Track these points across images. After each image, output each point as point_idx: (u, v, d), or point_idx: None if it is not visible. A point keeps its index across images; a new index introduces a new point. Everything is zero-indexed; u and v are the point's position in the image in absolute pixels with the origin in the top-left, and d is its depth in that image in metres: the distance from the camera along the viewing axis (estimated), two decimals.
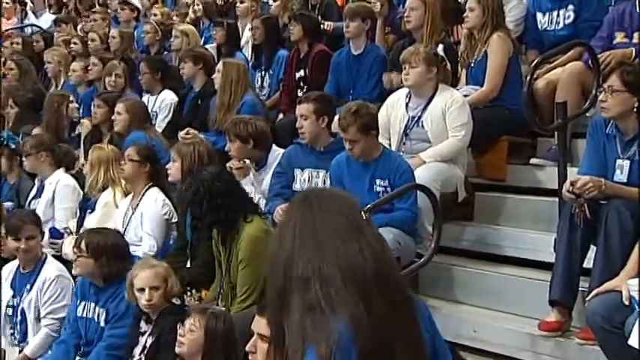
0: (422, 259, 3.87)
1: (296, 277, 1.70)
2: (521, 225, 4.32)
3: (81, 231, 4.56)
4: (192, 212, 3.78)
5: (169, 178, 4.36)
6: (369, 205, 3.75)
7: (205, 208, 3.67)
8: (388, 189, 3.96)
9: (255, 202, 4.43)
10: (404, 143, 4.36)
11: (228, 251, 3.71)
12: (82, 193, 5.04)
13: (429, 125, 4.35)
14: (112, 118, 5.36)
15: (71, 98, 6.04)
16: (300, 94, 5.55)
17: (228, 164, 4.55)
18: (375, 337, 1.65)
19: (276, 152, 4.62)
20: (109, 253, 3.73)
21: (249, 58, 6.13)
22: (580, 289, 3.44)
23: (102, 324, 3.75)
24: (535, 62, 4.39)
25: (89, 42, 6.99)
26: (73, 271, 3.94)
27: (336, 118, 4.26)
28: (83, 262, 3.76)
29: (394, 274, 1.76)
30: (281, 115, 5.59)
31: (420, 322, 1.77)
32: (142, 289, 3.48)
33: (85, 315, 3.81)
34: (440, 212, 3.87)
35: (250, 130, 4.51)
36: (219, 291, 3.80)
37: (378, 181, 3.99)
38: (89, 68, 6.50)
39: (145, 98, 6.00)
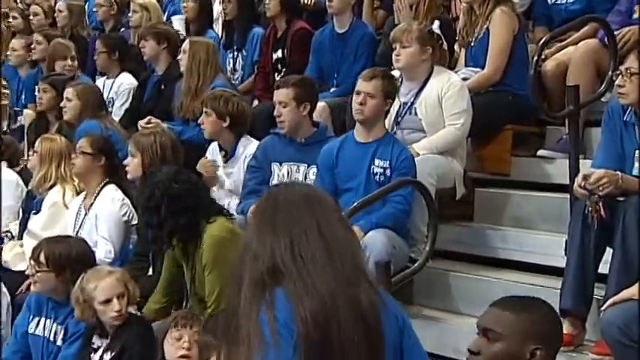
0: (415, 265, 3.87)
1: (249, 258, 1.97)
2: (528, 225, 4.33)
3: (24, 235, 4.51)
4: (147, 221, 3.68)
5: (128, 175, 4.31)
6: (355, 204, 3.73)
7: (164, 215, 3.59)
8: (387, 171, 3.98)
9: (226, 200, 4.43)
10: (395, 133, 4.35)
11: (192, 259, 3.66)
12: (25, 190, 4.99)
13: (423, 113, 4.34)
14: (61, 104, 5.29)
15: (3, 82, 5.96)
16: (277, 77, 5.52)
17: (200, 163, 4.51)
18: (317, 312, 1.88)
19: (249, 143, 4.62)
20: (74, 265, 3.66)
21: (219, 37, 6.10)
22: (595, 297, 3.44)
23: (59, 343, 3.69)
24: (543, 40, 4.40)
25: (31, 16, 6.90)
26: (32, 289, 3.82)
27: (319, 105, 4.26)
28: (43, 277, 3.68)
29: (355, 260, 1.96)
30: (256, 102, 5.57)
31: (380, 313, 1.96)
32: (107, 301, 3.44)
33: (39, 333, 3.75)
34: (435, 211, 3.87)
35: (230, 108, 4.55)
36: (185, 305, 3.76)
37: (377, 162, 4.02)
38: (32, 47, 6.39)
39: (99, 82, 5.95)
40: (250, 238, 2.01)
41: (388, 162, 4.00)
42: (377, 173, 4.00)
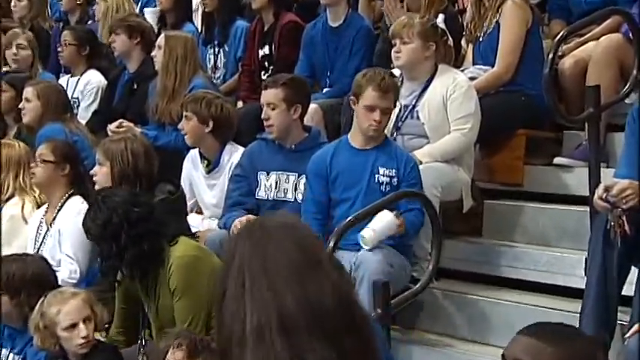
0: (417, 285, 3.87)
1: (248, 329, 1.73)
2: (543, 242, 4.34)
3: None
4: (105, 251, 3.60)
5: (96, 186, 4.29)
6: (351, 218, 3.73)
7: (124, 243, 3.55)
8: (394, 180, 4.00)
9: (201, 217, 4.42)
10: (395, 139, 4.36)
11: (155, 287, 3.62)
12: None
13: (426, 116, 4.35)
14: (20, 106, 5.26)
15: None
16: (264, 76, 5.51)
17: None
18: None
19: (236, 151, 4.61)
20: (30, 287, 3.64)
21: (199, 31, 6.10)
22: (618, 322, 3.44)
23: None
24: (560, 35, 4.41)
25: None
26: None
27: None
28: None
29: (359, 312, 1.83)
30: (240, 104, 5.57)
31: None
32: (72, 326, 3.42)
33: None
34: (440, 226, 3.87)
35: (213, 111, 4.56)
36: (141, 338, 3.73)
37: (381, 170, 4.03)
38: None
39: (62, 80, 5.92)
40: (237, 294, 1.77)
41: (395, 170, 4.02)
42: (382, 183, 4.02)
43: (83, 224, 3.67)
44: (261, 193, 4.35)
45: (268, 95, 4.30)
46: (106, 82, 5.87)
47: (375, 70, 4.15)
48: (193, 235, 3.80)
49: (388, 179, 4.02)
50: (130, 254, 3.55)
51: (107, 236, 3.57)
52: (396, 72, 4.48)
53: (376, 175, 4.03)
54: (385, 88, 4.02)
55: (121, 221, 3.54)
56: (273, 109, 4.27)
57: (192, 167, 4.75)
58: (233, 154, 4.60)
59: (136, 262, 3.58)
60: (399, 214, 3.88)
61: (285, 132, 4.29)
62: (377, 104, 4.01)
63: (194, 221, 4.58)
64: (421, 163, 4.20)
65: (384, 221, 3.84)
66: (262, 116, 4.33)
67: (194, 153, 4.74)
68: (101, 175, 4.20)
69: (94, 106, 5.83)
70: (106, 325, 3.81)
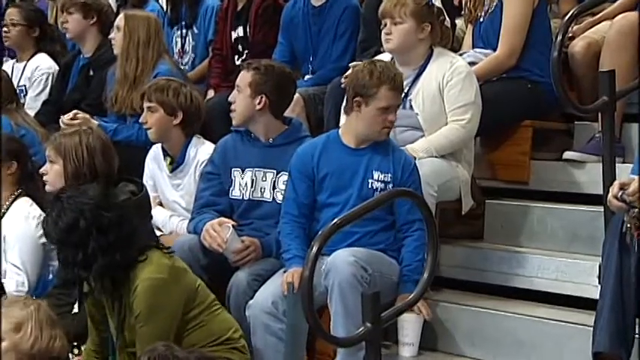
0: (411, 296, 3.85)
1: None
2: (552, 246, 4.35)
3: None
4: (69, 259, 3.52)
5: (47, 187, 4.26)
6: (336, 220, 3.71)
7: (92, 252, 3.48)
8: (390, 186, 4.00)
9: (163, 221, 4.39)
10: None
11: (120, 305, 3.59)
12: None
13: (420, 106, 4.34)
14: None
15: None
16: (238, 62, 5.51)
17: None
18: None
19: (202, 145, 4.61)
20: None
21: (164, 10, 6.09)
22: (636, 336, 3.44)
23: None
24: (571, 14, 4.39)
25: None
26: None
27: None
28: None
29: None
30: (211, 93, 5.57)
31: None
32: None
33: None
34: (436, 229, 3.85)
35: (182, 101, 4.56)
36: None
37: (376, 174, 4.02)
38: None
39: (6, 66, 5.89)
40: None
41: (390, 175, 4.02)
42: (376, 189, 4.01)
43: (43, 226, 3.63)
44: (235, 193, 4.34)
45: (239, 77, 4.35)
46: (57, 68, 5.84)
47: (377, 65, 4.08)
48: (168, 250, 3.72)
49: (383, 185, 4.01)
50: (99, 265, 3.51)
51: (71, 243, 3.52)
52: (386, 56, 4.46)
53: (369, 180, 4.02)
54: (399, 85, 4.04)
55: (89, 227, 3.49)
56: (239, 92, 4.31)
57: (154, 164, 4.74)
58: (199, 150, 4.60)
59: (105, 274, 3.54)
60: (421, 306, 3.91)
61: (246, 121, 4.31)
62: (392, 104, 4.02)
63: (160, 215, 4.57)
64: (415, 158, 4.19)
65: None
66: (229, 98, 4.36)
67: (156, 149, 4.73)
68: (52, 173, 4.16)
69: (44, 95, 5.81)
70: (75, 344, 3.79)
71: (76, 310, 4.05)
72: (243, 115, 4.31)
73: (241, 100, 4.29)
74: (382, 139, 4.05)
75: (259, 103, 4.27)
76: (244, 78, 4.31)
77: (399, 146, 4.18)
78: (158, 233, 4.40)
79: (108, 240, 3.50)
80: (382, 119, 4.01)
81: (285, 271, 3.96)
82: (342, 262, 3.77)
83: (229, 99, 4.36)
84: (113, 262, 3.51)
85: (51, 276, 4.41)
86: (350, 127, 4.12)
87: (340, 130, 4.16)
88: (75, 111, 5.22)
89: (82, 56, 5.74)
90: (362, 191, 4.01)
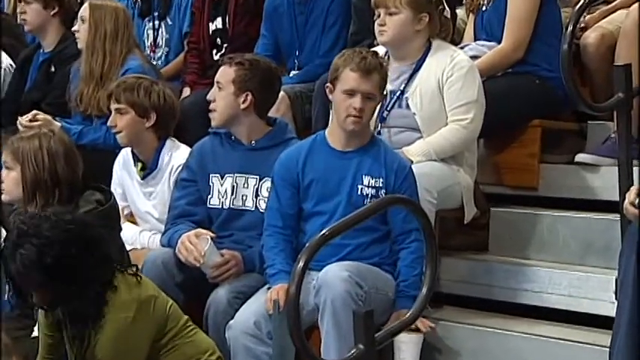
0: (408, 314, 3.85)
1: None
2: (564, 258, 4.36)
3: None
4: (23, 290, 3.49)
5: (3, 196, 4.24)
6: (325, 231, 3.70)
7: (61, 283, 3.45)
8: (382, 193, 3.99)
9: (132, 237, 4.38)
10: (379, 132, 4.36)
11: (80, 332, 3.57)
12: None
13: (418, 105, 4.35)
14: None
15: None
16: (216, 56, 5.50)
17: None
18: None
19: (177, 149, 4.61)
20: None
21: (134, 0, 6.07)
22: None
23: None
24: (582, 3, 4.39)
25: None
26: None
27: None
28: None
29: None
30: (186, 91, 5.57)
31: None
32: None
33: None
34: (435, 240, 3.85)
35: (155, 101, 4.56)
36: None
37: (366, 179, 4.02)
38: None
39: None
40: None
41: (382, 180, 4.02)
42: (367, 195, 4.01)
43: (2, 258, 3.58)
44: (213, 201, 4.34)
45: (219, 73, 4.34)
46: (13, 65, 5.81)
47: (356, 49, 4.15)
48: (137, 273, 3.69)
49: (374, 191, 4.01)
50: (72, 303, 3.48)
51: (33, 282, 3.48)
52: (380, 50, 4.47)
53: (359, 186, 4.02)
54: (367, 67, 4.00)
55: (53, 253, 3.44)
56: (220, 89, 4.29)
57: (123, 171, 4.73)
58: (174, 154, 4.59)
59: (74, 311, 3.52)
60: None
61: (228, 122, 4.30)
62: (357, 87, 4.00)
63: (129, 232, 4.56)
64: (412, 162, 4.19)
65: None
66: (208, 96, 4.34)
67: (126, 153, 4.72)
68: (9, 181, 4.13)
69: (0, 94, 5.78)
70: None
71: (35, 333, 4.03)
72: (226, 115, 4.30)
73: (223, 98, 4.29)
74: (349, 129, 4.02)
75: (244, 102, 4.27)
76: (226, 74, 4.30)
77: (393, 149, 4.18)
78: (128, 247, 4.38)
79: (82, 276, 3.48)
80: (346, 105, 4.00)
81: (269, 288, 3.96)
82: (334, 278, 3.77)
83: (208, 97, 4.35)
84: (86, 298, 3.49)
85: (6, 297, 4.39)
86: (333, 124, 4.13)
87: (327, 131, 4.16)
88: (34, 111, 5.21)
89: (42, 51, 5.71)
90: (351, 198, 4.01)
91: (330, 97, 4.10)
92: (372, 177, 4.03)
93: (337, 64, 4.06)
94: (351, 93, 3.99)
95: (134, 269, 3.67)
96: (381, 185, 4.02)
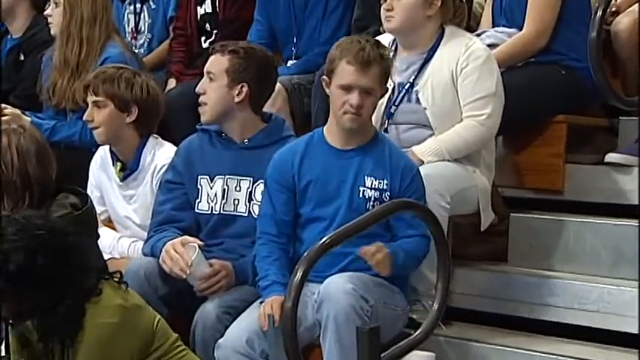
0: (418, 331, 3.86)
1: None
2: (592, 270, 4.36)
3: None
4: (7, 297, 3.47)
5: None
6: (326, 239, 3.72)
7: (27, 294, 3.45)
8: (386, 196, 4.00)
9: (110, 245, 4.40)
10: (386, 130, 4.37)
11: (59, 346, 3.58)
12: None
13: (429, 99, 4.36)
14: None
15: None
16: (205, 44, 5.52)
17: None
18: None
19: (160, 147, 4.62)
20: None
21: None
22: None
23: None
24: None
25: None
26: None
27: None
28: None
29: None
30: (172, 82, 5.59)
31: None
32: None
33: None
34: (449, 249, 3.87)
35: (138, 93, 4.57)
36: None
37: (368, 181, 4.03)
38: None
39: None
40: None
41: (387, 182, 4.02)
42: (370, 198, 4.02)
43: None
44: (202, 206, 4.35)
45: (210, 62, 4.34)
46: None
47: (354, 38, 4.14)
48: (120, 281, 3.71)
49: (377, 193, 4.02)
50: (47, 317, 3.50)
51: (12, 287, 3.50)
52: (387, 38, 4.48)
53: (361, 188, 4.03)
54: (365, 59, 4.00)
55: (33, 265, 3.45)
56: (212, 80, 4.29)
57: (101, 172, 4.74)
58: (157, 153, 4.60)
59: (51, 325, 3.53)
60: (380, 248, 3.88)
61: (220, 117, 4.30)
62: (354, 82, 4.00)
63: (106, 238, 4.56)
64: (422, 163, 4.21)
65: None
66: (197, 89, 4.34)
67: (103, 152, 4.73)
68: None
69: None
70: None
71: (2, 352, 4.04)
72: (218, 110, 4.30)
73: (215, 90, 4.29)
74: (346, 127, 4.03)
75: (239, 94, 4.27)
76: (219, 63, 4.30)
77: (401, 148, 4.19)
78: (106, 257, 4.39)
79: (57, 286, 3.49)
80: (343, 101, 4.00)
81: (262, 302, 3.96)
82: (337, 292, 3.78)
83: (197, 90, 4.34)
84: (61, 310, 3.50)
85: None
86: (332, 121, 4.13)
87: (325, 128, 4.17)
88: (2, 105, 5.20)
89: (9, 37, 5.73)
90: (352, 201, 4.02)
91: (327, 91, 4.11)
92: (376, 178, 4.04)
93: (333, 55, 4.06)
94: (347, 88, 4.00)
95: (118, 276, 3.69)
96: (385, 187, 4.03)
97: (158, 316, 3.75)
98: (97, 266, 3.66)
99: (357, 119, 4.02)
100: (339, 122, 4.05)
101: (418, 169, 4.09)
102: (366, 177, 4.04)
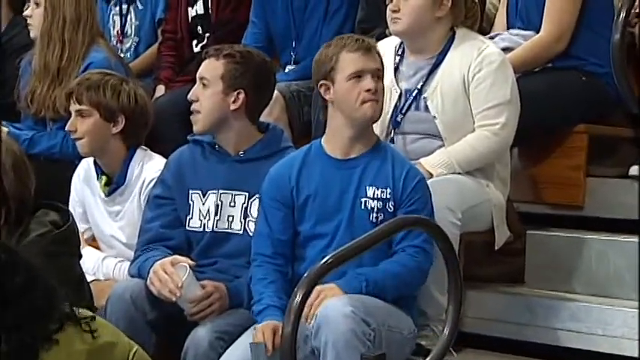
0: (428, 359, 3.86)
1: None
2: (616, 292, 4.36)
3: None
4: None
5: None
6: (328, 258, 3.72)
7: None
8: (389, 206, 4.00)
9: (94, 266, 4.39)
10: (392, 140, 4.38)
11: None
12: None
13: (439, 106, 4.37)
14: None
15: None
16: (197, 48, 5.53)
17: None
18: None
19: (149, 160, 4.63)
20: None
21: None
22: None
23: None
24: None
25: None
26: None
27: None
28: None
29: None
30: (161, 89, 5.61)
31: None
32: None
33: None
34: (460, 270, 3.86)
35: (125, 102, 4.59)
36: None
37: (370, 191, 4.03)
38: None
39: None
40: None
41: (389, 190, 4.02)
42: (372, 209, 4.02)
43: None
44: (194, 223, 4.35)
45: (204, 67, 4.33)
46: None
47: (344, 36, 4.17)
48: (87, 320, 3.68)
49: (380, 203, 4.02)
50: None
51: None
52: (393, 42, 4.49)
53: (362, 199, 4.03)
54: (366, 46, 4.05)
55: None
56: (205, 86, 4.29)
57: (84, 186, 4.73)
58: (145, 166, 4.60)
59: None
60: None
61: (215, 127, 4.30)
62: (364, 66, 4.03)
63: (90, 258, 4.56)
64: (431, 176, 4.22)
65: None
66: (189, 96, 4.33)
67: (87, 165, 4.73)
68: None
69: None
70: None
71: None
72: (212, 118, 4.29)
73: (209, 97, 4.28)
74: (368, 118, 4.04)
75: (235, 102, 4.27)
76: (213, 68, 4.30)
77: (409, 159, 4.19)
78: (90, 278, 4.39)
79: (12, 316, 3.46)
80: (357, 92, 4.02)
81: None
82: (336, 315, 3.76)
83: (190, 97, 4.34)
84: (18, 347, 3.48)
85: None
86: (332, 130, 4.12)
87: (323, 139, 4.17)
88: None
89: None
90: (354, 215, 4.02)
91: (327, 97, 4.10)
92: (378, 187, 4.03)
93: (327, 53, 4.08)
94: (359, 75, 4.02)
95: (88, 320, 3.65)
96: (388, 197, 4.02)
97: (135, 347, 3.70)
98: (59, 312, 3.62)
99: (377, 106, 4.04)
100: (359, 118, 4.05)
101: (423, 177, 4.09)
102: (367, 187, 4.04)
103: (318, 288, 3.75)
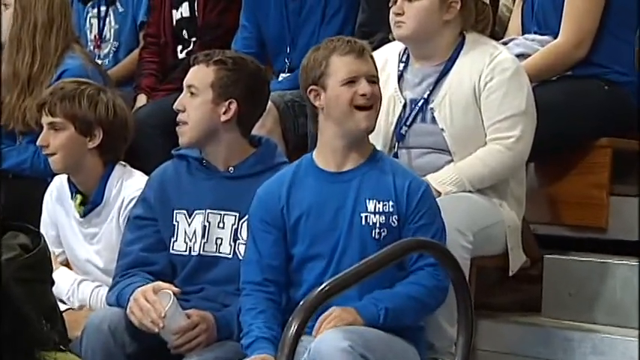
0: None
1: None
2: None
3: None
4: None
5: None
6: (326, 284, 3.72)
7: None
8: (393, 219, 3.99)
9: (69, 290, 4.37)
10: (396, 154, 4.39)
11: None
12: None
13: (447, 118, 4.38)
14: None
15: None
16: (181, 54, 5.55)
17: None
18: None
19: (129, 177, 4.63)
20: None
21: None
22: None
23: None
24: None
25: None
26: None
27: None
28: None
29: None
30: (142, 99, 5.63)
31: None
32: None
33: None
34: (471, 298, 3.86)
35: (101, 113, 4.58)
36: None
37: (370, 205, 4.02)
38: None
39: None
40: None
41: (392, 203, 4.01)
42: (375, 224, 4.01)
43: None
44: (178, 246, 4.34)
45: (192, 74, 4.32)
46: None
47: (334, 38, 4.17)
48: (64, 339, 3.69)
49: (383, 218, 4.00)
50: None
51: None
52: (395, 48, 4.49)
53: (362, 215, 4.02)
54: (358, 48, 4.05)
55: None
56: (194, 95, 4.28)
57: (57, 206, 4.73)
58: (125, 184, 4.60)
59: None
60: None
61: (203, 140, 4.28)
62: (358, 70, 4.03)
63: (64, 282, 4.55)
64: (439, 194, 4.22)
65: None
66: (175, 106, 4.33)
67: (60, 183, 4.72)
68: None
69: None
70: None
71: None
72: (200, 130, 4.28)
73: (197, 107, 4.27)
74: (363, 129, 4.03)
75: (226, 113, 4.26)
76: (203, 76, 4.29)
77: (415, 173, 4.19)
78: (63, 307, 4.38)
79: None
80: (349, 96, 4.02)
81: None
82: (331, 350, 3.74)
83: (176, 106, 4.32)
84: None
85: None
86: (324, 141, 4.11)
87: (315, 152, 4.16)
88: None
89: None
90: (352, 231, 4.00)
91: (316, 104, 4.09)
92: (379, 200, 4.02)
93: (317, 57, 4.07)
94: (352, 80, 4.02)
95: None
96: (391, 210, 4.01)
97: None
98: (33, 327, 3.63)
99: (372, 115, 4.03)
100: (353, 126, 4.03)
101: (428, 186, 4.08)
102: (367, 200, 4.02)
103: (337, 309, 3.78)
